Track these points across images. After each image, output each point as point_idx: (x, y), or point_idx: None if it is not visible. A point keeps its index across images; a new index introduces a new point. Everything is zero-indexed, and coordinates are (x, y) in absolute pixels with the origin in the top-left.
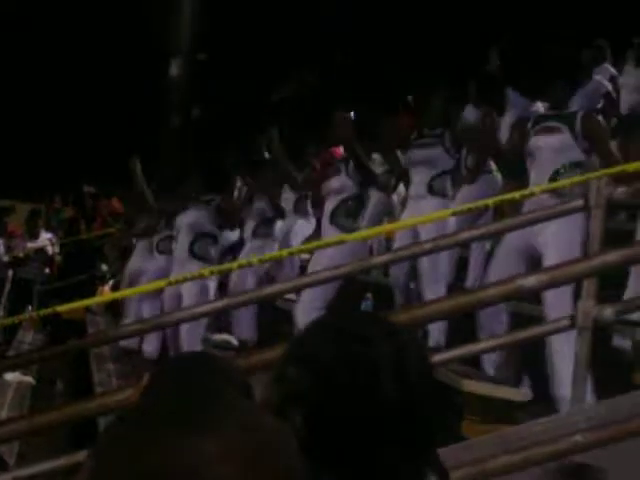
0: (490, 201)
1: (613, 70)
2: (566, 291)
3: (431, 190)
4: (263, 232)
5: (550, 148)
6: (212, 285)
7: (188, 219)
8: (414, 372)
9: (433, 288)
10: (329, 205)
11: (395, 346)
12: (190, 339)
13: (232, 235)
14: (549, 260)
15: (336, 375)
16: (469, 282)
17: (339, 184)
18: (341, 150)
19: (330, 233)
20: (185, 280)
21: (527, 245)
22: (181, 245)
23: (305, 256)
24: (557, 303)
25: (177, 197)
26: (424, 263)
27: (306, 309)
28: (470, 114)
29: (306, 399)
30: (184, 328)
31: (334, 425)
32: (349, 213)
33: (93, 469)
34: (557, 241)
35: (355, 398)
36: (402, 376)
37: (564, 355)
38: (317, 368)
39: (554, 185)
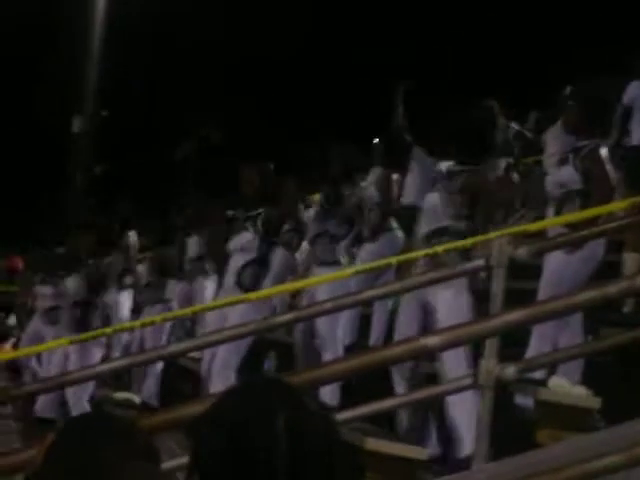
0: (393, 259)
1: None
2: (461, 350)
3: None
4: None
5: None
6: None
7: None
8: (314, 438)
9: (330, 348)
10: (234, 263)
11: (295, 413)
12: (75, 399)
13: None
14: (441, 323)
15: (239, 441)
16: (372, 340)
17: (245, 241)
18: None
19: (235, 293)
20: (74, 342)
21: (422, 304)
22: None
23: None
24: (454, 362)
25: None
26: (321, 324)
27: (219, 368)
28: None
29: (211, 460)
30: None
31: None
32: (254, 275)
33: None
34: (447, 306)
35: (254, 466)
36: (301, 443)
37: (465, 414)
38: (224, 432)
39: (455, 245)
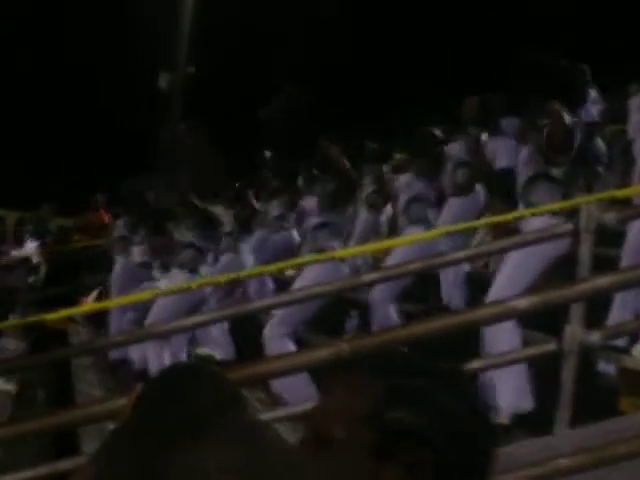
0: (481, 222)
1: (594, 94)
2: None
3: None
4: None
5: None
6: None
7: None
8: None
9: (381, 313)
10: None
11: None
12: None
13: None
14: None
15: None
16: (445, 300)
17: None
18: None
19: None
20: (169, 292)
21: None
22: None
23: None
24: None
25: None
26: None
27: (275, 327)
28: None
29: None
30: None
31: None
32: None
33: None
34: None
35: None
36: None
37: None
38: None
39: (544, 209)
